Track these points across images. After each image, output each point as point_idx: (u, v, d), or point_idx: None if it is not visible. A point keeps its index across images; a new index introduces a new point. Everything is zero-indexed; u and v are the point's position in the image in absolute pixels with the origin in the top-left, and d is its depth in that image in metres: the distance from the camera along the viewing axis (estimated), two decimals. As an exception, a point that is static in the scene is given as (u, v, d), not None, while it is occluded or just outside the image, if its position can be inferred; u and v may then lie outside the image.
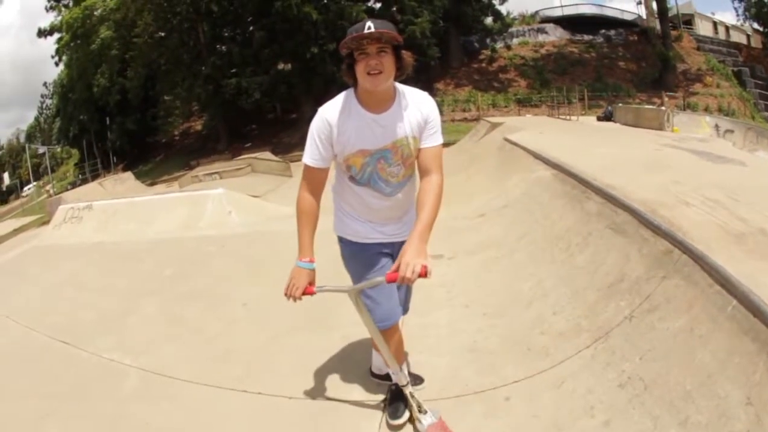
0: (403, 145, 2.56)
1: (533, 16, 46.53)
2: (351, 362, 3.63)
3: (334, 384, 3.41)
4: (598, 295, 3.72)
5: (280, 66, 32.68)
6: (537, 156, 7.57)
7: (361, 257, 2.78)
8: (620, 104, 25.46)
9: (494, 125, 16.30)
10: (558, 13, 46.11)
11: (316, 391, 3.35)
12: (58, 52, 39.37)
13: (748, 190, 5.77)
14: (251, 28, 32.65)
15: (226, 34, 34.57)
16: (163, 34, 33.52)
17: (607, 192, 4.80)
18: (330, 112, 2.52)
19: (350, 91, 2.55)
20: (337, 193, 2.83)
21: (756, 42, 45.08)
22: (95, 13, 35.57)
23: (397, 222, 2.81)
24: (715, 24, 48.64)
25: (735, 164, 8.76)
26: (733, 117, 29.00)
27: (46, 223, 15.14)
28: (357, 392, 3.30)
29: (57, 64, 41.44)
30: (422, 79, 33.08)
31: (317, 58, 29.25)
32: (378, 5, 34.25)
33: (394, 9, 32.62)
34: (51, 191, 36.41)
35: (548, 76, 38.30)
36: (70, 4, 37.61)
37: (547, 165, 6.87)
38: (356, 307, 2.62)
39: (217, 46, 34.38)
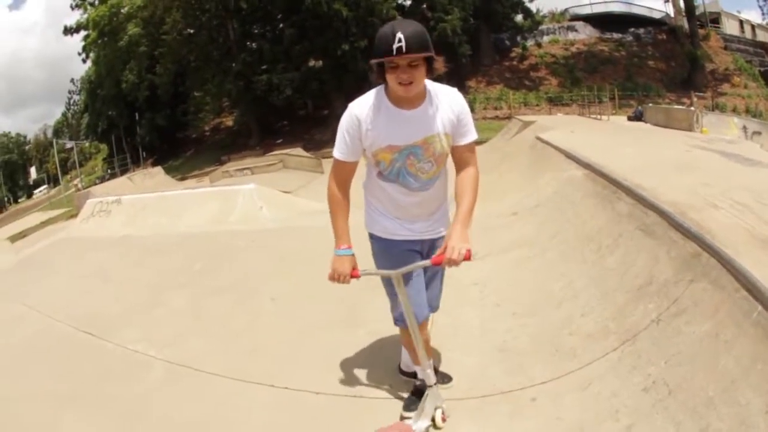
0: (434, 142, 2.55)
1: (563, 13, 46.11)
2: (378, 359, 3.67)
3: (361, 380, 3.45)
4: (627, 297, 3.69)
5: (311, 63, 32.90)
6: (568, 155, 7.51)
7: (391, 253, 2.78)
8: (650, 104, 25.21)
9: (526, 124, 16.32)
10: (587, 10, 45.78)
11: (343, 387, 3.38)
12: (85, 49, 40.07)
13: None
14: (281, 25, 32.80)
15: (256, 31, 34.87)
16: (192, 31, 34.06)
17: (638, 193, 4.75)
18: (359, 108, 2.55)
19: (381, 88, 2.55)
20: (367, 189, 2.85)
21: None
22: (122, 10, 36.04)
23: (427, 219, 2.81)
24: (741, 23, 47.61)
25: (764, 167, 8.62)
26: (761, 119, 28.60)
27: (73, 216, 15.28)
28: (384, 389, 3.33)
29: (84, 61, 42.29)
30: (454, 77, 32.90)
31: (348, 55, 29.45)
32: (408, 2, 34.43)
33: (425, 6, 32.73)
34: (79, 185, 36.94)
35: (579, 75, 37.92)
36: (96, 2, 38.15)
37: (579, 164, 6.83)
38: (398, 290, 2.64)
39: (247, 42, 34.65)
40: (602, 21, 43.97)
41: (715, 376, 2.64)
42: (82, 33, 39.05)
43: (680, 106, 23.31)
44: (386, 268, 2.73)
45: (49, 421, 3.36)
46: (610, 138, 11.43)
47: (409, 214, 2.77)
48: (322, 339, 4.05)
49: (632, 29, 43.19)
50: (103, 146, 51.72)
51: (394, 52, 2.26)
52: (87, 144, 57.36)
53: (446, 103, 2.56)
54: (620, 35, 42.86)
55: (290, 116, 37.43)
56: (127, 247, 7.21)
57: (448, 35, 30.16)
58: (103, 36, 37.04)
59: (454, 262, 2.42)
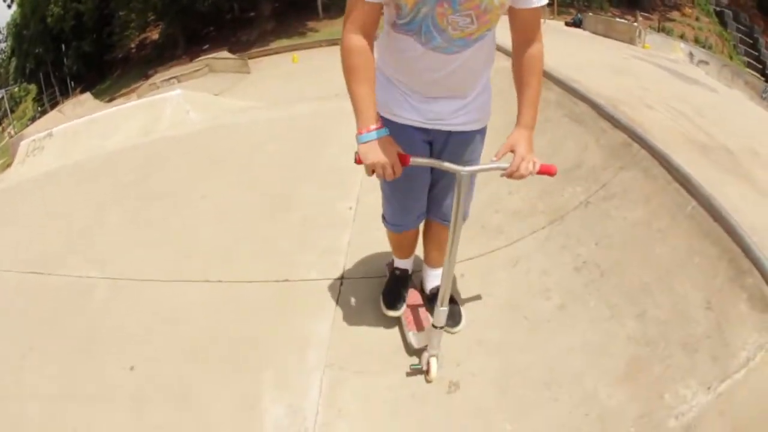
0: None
1: None
2: (309, 242, 3.70)
3: (293, 264, 3.47)
4: (555, 179, 3.67)
5: None
6: (499, 48, 7.35)
7: (399, 141, 2.04)
8: (590, 14, 25.14)
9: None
10: None
11: (275, 273, 3.41)
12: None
13: (716, 110, 5.76)
14: None
15: None
16: None
17: (568, 84, 4.72)
18: None
19: None
20: (377, 47, 2.09)
21: None
22: None
23: (457, 99, 2.16)
24: None
25: (706, 88, 8.76)
26: (710, 51, 28.94)
27: (9, 165, 14.83)
28: (316, 271, 3.38)
29: (9, 6, 39.68)
30: None
31: None
32: None
33: None
34: (12, 132, 35.26)
35: None
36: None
37: (508, 55, 6.63)
38: (457, 190, 2.08)
39: None
40: None
41: (650, 263, 2.72)
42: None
43: (622, 20, 23.34)
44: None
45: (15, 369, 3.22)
46: (545, 36, 11.36)
47: (429, 87, 2.11)
48: (253, 229, 4.03)
49: None
50: (33, 86, 49.01)
51: None
52: (16, 89, 54.35)
53: None
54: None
55: (216, 21, 35.37)
56: (62, 177, 6.93)
57: None
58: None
59: (523, 177, 2.02)
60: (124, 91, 28.33)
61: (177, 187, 5.18)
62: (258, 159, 5.12)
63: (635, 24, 19.02)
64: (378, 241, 3.31)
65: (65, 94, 38.22)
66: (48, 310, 3.72)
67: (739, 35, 35.39)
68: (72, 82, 40.13)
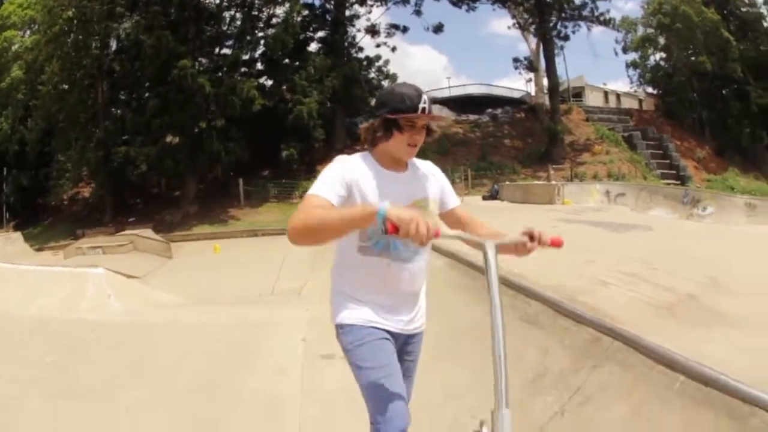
0: (423, 206, 2.37)
1: (420, 98, 47.77)
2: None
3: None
4: (521, 393, 3.44)
5: (168, 139, 30.67)
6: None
7: (375, 340, 2.30)
8: (507, 182, 26.35)
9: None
10: (446, 93, 47.49)
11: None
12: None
13: (664, 256, 5.89)
14: (147, 94, 31.05)
15: (123, 98, 32.72)
16: (66, 86, 31.36)
17: (516, 282, 4.55)
18: (353, 160, 2.34)
19: (366, 153, 2.38)
20: (341, 274, 2.45)
21: (648, 105, 49.01)
22: (12, 47, 33.44)
23: (413, 304, 2.48)
24: (606, 93, 52.44)
25: (642, 230, 9.10)
26: (624, 180, 30.74)
27: None
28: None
29: None
30: (306, 161, 33.34)
31: (204, 133, 28.65)
32: (269, 82, 34.32)
33: (284, 87, 32.82)
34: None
35: (431, 157, 38.14)
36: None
37: (439, 253, 6.36)
38: (485, 264, 2.06)
39: (113, 109, 32.44)
40: (461, 103, 45.33)
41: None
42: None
43: (539, 182, 24.48)
44: (371, 357, 2.26)
45: None
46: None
47: (396, 295, 2.40)
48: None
49: (490, 110, 44.92)
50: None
51: (419, 110, 2.22)
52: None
53: (428, 171, 2.51)
54: (477, 116, 44.42)
55: (144, 194, 35.30)
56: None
57: (304, 118, 30.12)
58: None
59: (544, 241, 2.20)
60: (53, 244, 27.96)
61: (98, 387, 4.72)
62: (183, 376, 4.65)
63: (553, 182, 19.90)
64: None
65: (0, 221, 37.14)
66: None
67: (650, 151, 38.70)
68: (8, 213, 38.96)
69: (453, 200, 2.56)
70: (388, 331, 2.37)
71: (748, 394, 2.38)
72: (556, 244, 2.23)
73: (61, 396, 4.54)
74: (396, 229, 1.86)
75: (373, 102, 2.20)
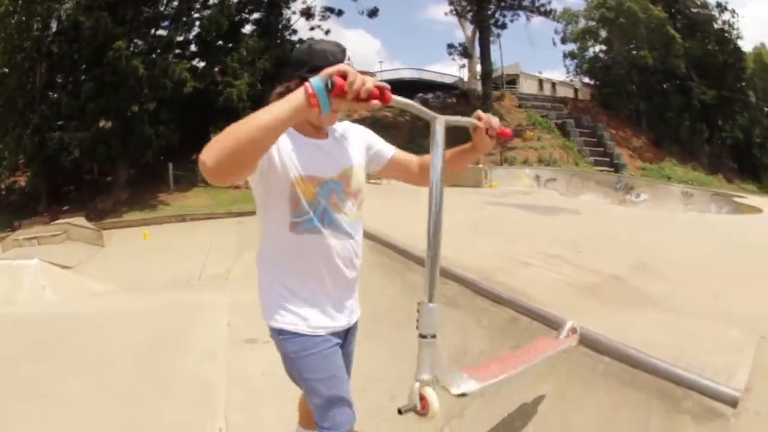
0: (352, 175, 2.14)
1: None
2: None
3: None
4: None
5: (101, 123, 29.09)
6: None
7: (323, 350, 2.08)
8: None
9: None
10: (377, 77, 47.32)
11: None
12: None
13: (592, 239, 5.93)
14: (83, 77, 29.45)
15: (60, 81, 30.93)
16: (6, 70, 29.52)
17: None
18: None
19: None
20: (275, 263, 2.12)
21: (584, 95, 49.52)
22: None
23: (353, 292, 2.24)
24: (541, 81, 52.94)
25: (569, 214, 9.11)
26: (555, 166, 31.05)
27: None
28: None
29: None
30: None
31: (136, 117, 27.70)
32: (202, 64, 33.34)
33: (217, 69, 32.15)
34: None
35: None
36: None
37: None
38: (432, 139, 2.11)
39: (50, 93, 30.55)
40: (392, 87, 44.92)
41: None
42: None
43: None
44: (321, 368, 2.08)
45: None
46: (390, 201, 11.12)
47: (338, 285, 2.14)
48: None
49: (421, 94, 44.06)
50: None
51: (347, 59, 1.95)
52: None
53: (347, 134, 2.24)
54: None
55: (78, 181, 33.99)
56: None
57: (234, 100, 29.33)
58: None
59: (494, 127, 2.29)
60: (-8, 236, 26.78)
61: (36, 382, 4.46)
62: (119, 363, 4.50)
63: (480, 166, 19.21)
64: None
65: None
66: None
67: (583, 138, 39.15)
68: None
69: (387, 149, 2.39)
70: (333, 332, 2.14)
71: (681, 376, 2.36)
72: (506, 134, 2.28)
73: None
74: (343, 89, 1.62)
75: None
